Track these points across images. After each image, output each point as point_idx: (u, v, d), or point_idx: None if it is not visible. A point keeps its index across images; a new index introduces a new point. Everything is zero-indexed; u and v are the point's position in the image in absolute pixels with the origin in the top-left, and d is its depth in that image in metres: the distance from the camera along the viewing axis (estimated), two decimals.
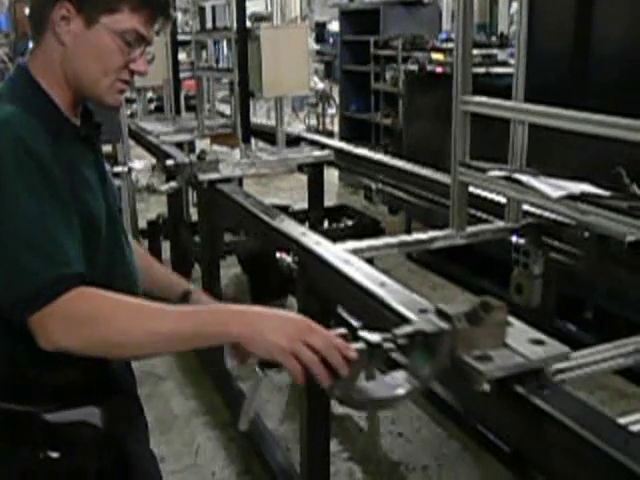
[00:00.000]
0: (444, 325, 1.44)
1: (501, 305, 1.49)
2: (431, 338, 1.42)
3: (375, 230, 4.67)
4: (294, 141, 4.83)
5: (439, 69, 6.00)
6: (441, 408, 3.80)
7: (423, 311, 1.73)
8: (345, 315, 4.35)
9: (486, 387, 1.45)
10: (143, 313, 1.41)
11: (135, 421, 1.83)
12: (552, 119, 2.30)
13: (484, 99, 2.51)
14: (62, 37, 1.53)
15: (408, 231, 6.08)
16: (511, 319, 1.58)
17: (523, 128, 2.62)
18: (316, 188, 4.95)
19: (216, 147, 5.23)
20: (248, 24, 4.62)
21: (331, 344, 1.33)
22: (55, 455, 1.55)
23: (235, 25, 4.50)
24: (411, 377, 1.38)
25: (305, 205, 5.20)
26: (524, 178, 2.33)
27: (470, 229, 2.73)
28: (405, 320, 1.72)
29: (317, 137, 5.07)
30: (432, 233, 2.70)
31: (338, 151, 4.47)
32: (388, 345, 1.36)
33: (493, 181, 2.46)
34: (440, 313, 1.48)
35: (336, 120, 11.22)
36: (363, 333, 1.37)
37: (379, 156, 4.27)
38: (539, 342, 1.55)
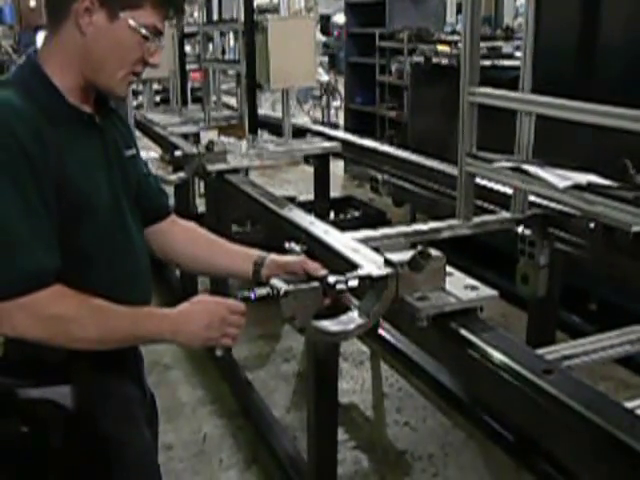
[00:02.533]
0: (389, 270, 1.72)
1: (439, 255, 1.77)
2: (377, 281, 1.71)
3: (381, 221, 4.69)
4: (300, 133, 4.85)
5: (445, 61, 6.00)
6: (446, 398, 3.83)
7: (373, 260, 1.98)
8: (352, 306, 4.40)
9: (424, 323, 1.72)
10: (102, 317, 1.56)
11: (130, 407, 1.83)
12: (559, 110, 2.33)
13: (491, 90, 2.54)
14: (83, 28, 1.58)
15: (413, 222, 6.10)
16: (452, 270, 1.87)
17: (530, 119, 2.64)
18: (322, 179, 4.97)
19: (224, 138, 5.25)
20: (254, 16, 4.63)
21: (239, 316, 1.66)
22: (25, 430, 1.61)
23: (243, 17, 4.52)
24: (362, 315, 1.68)
25: (311, 197, 5.22)
26: (531, 168, 2.35)
27: (476, 219, 2.75)
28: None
29: (323, 129, 5.10)
30: (439, 223, 2.72)
31: (344, 142, 4.50)
32: (340, 286, 1.70)
33: (500, 172, 2.49)
34: (387, 261, 1.76)
35: (341, 113, 11.23)
36: (323, 272, 1.75)
37: (385, 147, 4.29)
38: (473, 287, 1.82)
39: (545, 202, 2.74)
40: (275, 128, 5.15)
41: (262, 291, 1.72)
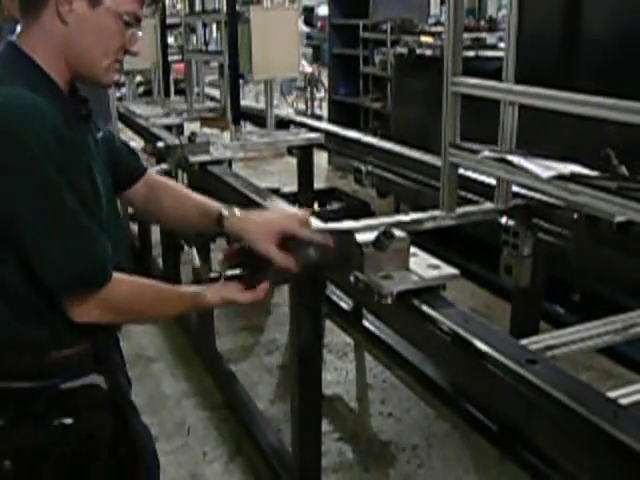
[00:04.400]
0: (354, 250, 1.82)
1: (402, 236, 1.89)
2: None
3: (365, 212, 4.68)
4: (283, 124, 4.83)
5: (428, 52, 6.00)
6: (430, 389, 3.83)
7: None
8: (335, 298, 4.40)
9: (388, 300, 1.81)
10: (160, 299, 1.70)
11: (129, 394, 1.90)
12: (542, 100, 2.32)
13: (475, 80, 2.53)
14: (64, 17, 1.53)
15: (396, 214, 6.08)
16: (417, 251, 1.97)
17: (513, 109, 2.63)
18: (306, 171, 4.95)
19: (206, 129, 5.22)
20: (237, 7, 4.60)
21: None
22: (69, 421, 1.63)
23: (225, 8, 4.49)
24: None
25: (295, 188, 5.21)
26: (514, 159, 2.35)
27: (460, 210, 2.74)
28: None
29: (306, 120, 5.08)
30: (422, 214, 2.71)
31: (328, 134, 4.48)
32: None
33: (484, 162, 2.48)
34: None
35: (324, 104, 11.21)
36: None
37: (369, 138, 4.29)
38: (435, 267, 1.91)
39: (529, 193, 2.75)
40: (258, 119, 5.13)
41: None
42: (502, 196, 2.76)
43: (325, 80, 11.02)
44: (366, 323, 4.43)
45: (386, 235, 1.82)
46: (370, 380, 4.05)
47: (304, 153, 4.80)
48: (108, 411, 1.72)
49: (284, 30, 4.26)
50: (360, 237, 1.86)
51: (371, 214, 5.45)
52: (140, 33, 1.66)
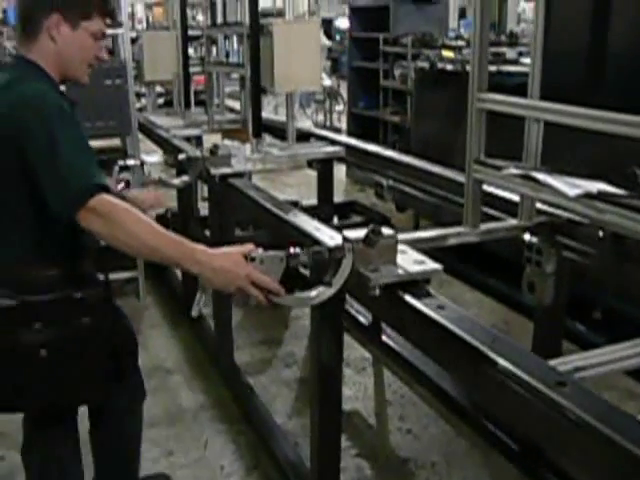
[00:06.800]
0: (347, 246, 1.98)
1: (390, 233, 2.05)
2: (336, 255, 1.98)
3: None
4: (303, 137, 4.83)
5: (450, 66, 5.98)
6: (449, 406, 3.80)
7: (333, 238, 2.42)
8: (353, 312, 4.37)
9: (376, 291, 1.98)
10: (153, 229, 2.03)
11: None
12: (569, 117, 2.31)
13: (500, 97, 2.52)
14: (55, 37, 2.21)
15: (416, 228, 6.08)
16: (406, 248, 2.15)
17: (538, 126, 2.62)
18: (326, 184, 4.96)
19: (227, 142, 5.23)
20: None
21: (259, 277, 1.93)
22: (86, 320, 2.24)
23: (248, 20, 4.50)
24: (325, 288, 1.95)
25: (313, 201, 5.20)
26: (540, 176, 2.33)
27: (483, 227, 2.73)
28: None
29: (327, 133, 5.08)
30: (446, 230, 2.70)
31: (348, 147, 4.48)
32: (303, 258, 1.96)
33: (509, 179, 2.46)
34: (344, 239, 2.03)
35: (343, 117, 11.21)
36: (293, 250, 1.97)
37: (390, 153, 4.28)
38: (420, 262, 2.08)
39: (551, 209, 2.73)
40: (278, 131, 5.14)
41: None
42: (526, 213, 2.74)
43: (344, 92, 11.03)
44: (385, 338, 4.40)
45: (375, 232, 1.99)
46: (389, 396, 4.01)
47: (324, 166, 4.80)
48: (108, 310, 2.39)
49: (306, 43, 4.27)
50: (351, 234, 2.04)
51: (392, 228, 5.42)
52: (105, 43, 2.48)
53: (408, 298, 1.94)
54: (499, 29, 9.25)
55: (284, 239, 2.89)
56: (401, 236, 2.67)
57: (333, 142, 4.60)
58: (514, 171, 2.44)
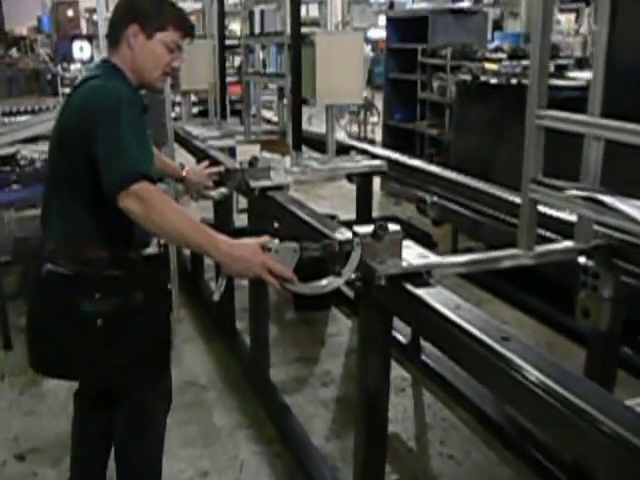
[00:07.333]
0: (356, 239, 2.23)
1: (397, 229, 2.29)
2: (346, 247, 2.22)
3: (428, 243, 4.55)
4: (342, 149, 4.72)
5: (494, 80, 5.85)
6: (492, 431, 3.68)
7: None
8: (397, 334, 4.26)
9: (382, 281, 2.21)
10: (188, 219, 2.20)
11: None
12: (632, 135, 2.18)
13: (561, 114, 2.40)
14: (132, 46, 2.49)
15: (455, 244, 5.96)
16: (411, 244, 2.41)
17: (598, 144, 2.49)
18: (365, 198, 4.86)
19: (266, 154, 5.14)
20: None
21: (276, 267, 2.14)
22: (139, 295, 2.47)
23: (289, 30, 4.40)
24: (335, 277, 2.18)
25: (350, 214, 5.10)
26: (607, 199, 2.20)
27: (538, 249, 2.60)
28: None
29: (367, 146, 4.95)
30: (499, 252, 2.58)
31: (390, 161, 4.37)
32: (315, 250, 2.18)
33: (570, 200, 2.34)
34: (354, 233, 2.27)
35: (377, 128, 11.11)
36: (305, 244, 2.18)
37: (433, 168, 4.16)
38: (424, 256, 2.34)
39: (609, 231, 2.61)
40: (314, 143, 5.04)
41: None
42: (583, 235, 2.61)
43: (378, 104, 10.92)
44: (424, 357, 4.29)
45: (382, 228, 2.25)
46: (429, 418, 3.89)
47: (364, 180, 4.70)
48: (157, 291, 2.62)
49: (350, 54, 4.16)
50: (360, 229, 2.27)
51: (433, 245, 5.32)
52: (182, 54, 2.59)
53: (410, 287, 2.16)
54: None
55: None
56: (454, 259, 2.58)
57: (374, 156, 4.49)
58: (577, 193, 2.31)
